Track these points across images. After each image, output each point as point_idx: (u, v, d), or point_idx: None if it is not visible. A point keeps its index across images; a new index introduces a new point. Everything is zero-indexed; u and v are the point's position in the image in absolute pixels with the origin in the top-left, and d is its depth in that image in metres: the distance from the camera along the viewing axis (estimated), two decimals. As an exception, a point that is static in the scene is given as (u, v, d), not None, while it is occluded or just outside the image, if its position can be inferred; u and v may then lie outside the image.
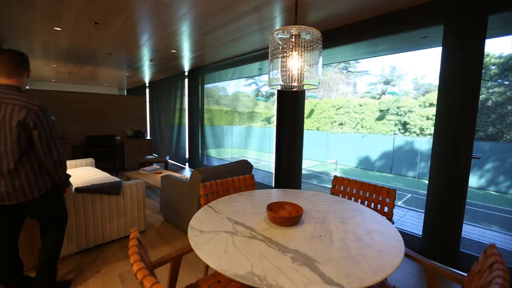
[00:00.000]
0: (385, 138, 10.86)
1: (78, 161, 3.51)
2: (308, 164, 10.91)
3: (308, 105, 12.63)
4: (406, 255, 1.20)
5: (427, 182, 2.31)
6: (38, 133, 1.42)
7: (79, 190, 2.18)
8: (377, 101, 11.88)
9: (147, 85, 8.53)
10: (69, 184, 1.72)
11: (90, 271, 2.00)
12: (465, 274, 0.99)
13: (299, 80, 1.36)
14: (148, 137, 6.25)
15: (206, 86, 5.75)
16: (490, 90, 8.41)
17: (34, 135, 1.42)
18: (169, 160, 6.37)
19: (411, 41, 2.82)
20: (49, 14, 2.69)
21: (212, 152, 5.95)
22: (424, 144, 9.39)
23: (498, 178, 7.61)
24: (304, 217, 1.35)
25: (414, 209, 4.24)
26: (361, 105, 11.74)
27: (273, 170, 3.85)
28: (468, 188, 2.10)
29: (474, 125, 2.01)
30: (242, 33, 3.18)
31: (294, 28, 1.30)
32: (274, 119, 3.81)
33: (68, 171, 2.80)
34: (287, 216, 1.24)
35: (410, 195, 8.09)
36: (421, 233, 2.39)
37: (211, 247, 1.03)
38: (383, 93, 12.12)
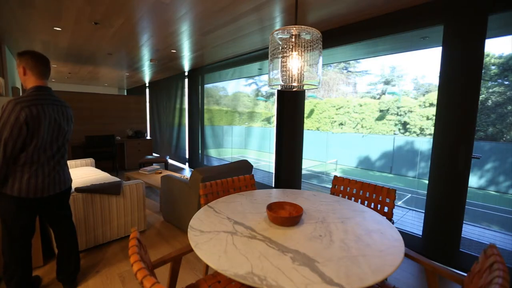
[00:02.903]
0: (385, 138, 10.86)
1: (78, 161, 3.51)
2: (308, 164, 10.90)
3: (308, 105, 12.62)
4: (406, 255, 1.20)
5: (427, 182, 2.31)
6: (71, 128, 1.74)
7: (79, 190, 2.17)
8: (377, 101, 11.87)
9: (147, 85, 8.53)
10: None
11: (90, 271, 2.00)
12: (465, 274, 0.99)
13: (299, 80, 1.36)
14: (148, 137, 6.25)
15: (206, 86, 5.75)
16: (490, 90, 8.40)
17: (70, 130, 1.73)
18: (169, 160, 6.37)
19: (411, 41, 2.81)
20: (49, 14, 2.69)
21: (212, 152, 5.95)
22: (424, 144, 9.38)
23: (498, 178, 7.60)
24: (304, 217, 1.35)
25: (414, 209, 4.23)
26: (361, 105, 11.74)
27: (273, 170, 3.84)
28: (468, 188, 2.10)
29: (474, 125, 2.01)
30: (242, 33, 3.18)
31: (294, 28, 1.30)
32: (274, 119, 3.81)
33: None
34: (287, 216, 1.24)
35: (410, 195, 8.08)
36: (421, 233, 2.39)
37: (211, 247, 1.03)
38: (383, 93, 12.11)
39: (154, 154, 7.56)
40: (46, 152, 1.52)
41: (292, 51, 1.33)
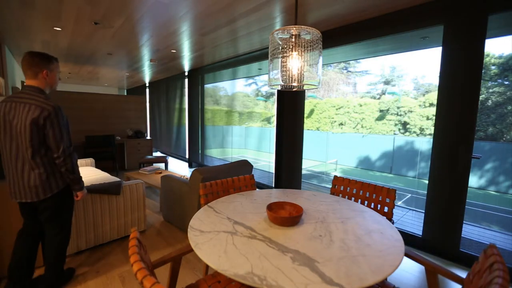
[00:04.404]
0: (385, 138, 10.86)
1: (78, 161, 3.51)
2: (308, 164, 10.90)
3: (308, 105, 12.62)
4: (406, 255, 1.20)
5: (427, 182, 2.31)
6: (48, 131, 1.47)
7: (79, 190, 2.17)
8: (377, 101, 11.87)
9: (147, 85, 8.53)
10: (82, 187, 1.70)
11: (90, 271, 2.00)
12: (465, 274, 0.98)
13: (299, 80, 1.36)
14: (148, 137, 6.25)
15: (206, 86, 5.75)
16: (490, 90, 8.41)
17: (46, 133, 1.48)
18: (169, 159, 6.37)
19: (411, 41, 2.82)
20: (49, 14, 2.69)
21: (212, 152, 5.95)
22: (424, 144, 9.39)
23: (498, 178, 7.61)
24: (304, 217, 1.35)
25: (414, 209, 4.24)
26: (361, 105, 11.74)
27: (273, 170, 3.85)
28: (468, 188, 2.10)
29: (474, 125, 2.01)
30: (242, 33, 3.18)
31: (294, 28, 1.30)
32: (274, 119, 3.81)
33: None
34: (287, 216, 1.24)
35: (410, 195, 8.09)
36: (421, 233, 2.39)
37: (211, 247, 1.03)
38: (383, 93, 12.12)
39: (154, 154, 7.56)
40: (6, 153, 1.49)
41: (292, 51, 1.33)
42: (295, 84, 1.38)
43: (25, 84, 1.53)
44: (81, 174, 1.75)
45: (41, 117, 1.43)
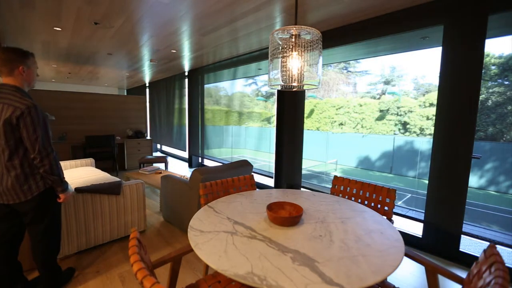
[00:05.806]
0: (385, 138, 10.85)
1: (78, 161, 3.50)
2: (308, 164, 10.90)
3: (308, 105, 12.61)
4: (406, 254, 1.20)
5: (427, 182, 2.31)
6: (22, 131, 1.41)
7: (79, 190, 2.17)
8: (377, 101, 11.86)
9: (147, 85, 8.53)
10: (64, 188, 1.59)
11: (90, 271, 2.00)
12: (465, 275, 0.98)
13: (299, 80, 1.37)
14: (148, 137, 6.26)
15: (206, 86, 5.75)
16: (490, 90, 8.40)
17: (21, 133, 1.41)
18: (169, 158, 6.37)
19: (411, 41, 2.81)
20: (49, 14, 2.69)
21: (212, 152, 5.95)
22: (424, 144, 9.38)
23: (498, 178, 7.61)
24: (304, 217, 1.35)
25: (414, 209, 4.23)
26: (361, 105, 11.73)
27: (273, 170, 3.84)
28: (468, 188, 2.10)
29: (474, 125, 2.01)
30: (242, 33, 3.18)
31: (294, 28, 1.30)
32: (274, 119, 3.81)
33: (68, 171, 2.74)
34: (287, 216, 1.24)
35: (410, 195, 8.09)
36: (421, 233, 2.39)
37: (211, 247, 1.03)
38: (383, 93, 12.11)
39: (155, 154, 7.56)
40: None
41: (292, 51, 1.33)
42: (295, 84, 1.38)
43: (1, 82, 1.45)
44: (81, 174, 1.70)
45: (13, 116, 1.37)
